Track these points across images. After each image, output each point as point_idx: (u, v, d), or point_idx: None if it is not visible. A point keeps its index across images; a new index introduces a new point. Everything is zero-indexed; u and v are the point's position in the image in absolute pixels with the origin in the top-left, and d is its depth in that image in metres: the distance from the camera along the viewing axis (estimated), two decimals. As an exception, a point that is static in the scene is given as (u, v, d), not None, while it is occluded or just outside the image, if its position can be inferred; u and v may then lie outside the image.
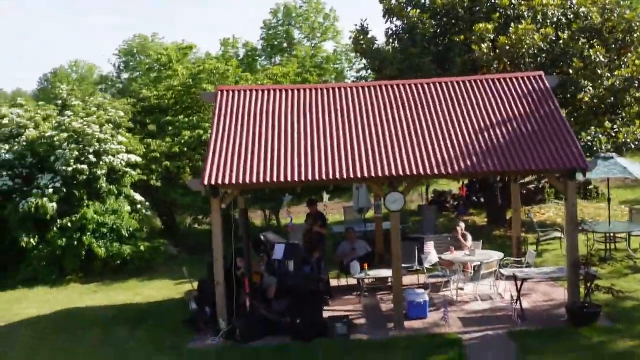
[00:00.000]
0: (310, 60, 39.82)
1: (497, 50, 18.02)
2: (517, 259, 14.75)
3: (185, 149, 21.40)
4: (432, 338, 11.42)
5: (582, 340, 10.81)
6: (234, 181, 11.82)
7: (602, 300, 12.35)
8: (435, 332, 11.70)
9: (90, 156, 18.40)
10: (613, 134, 17.69)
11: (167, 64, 27.08)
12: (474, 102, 13.46)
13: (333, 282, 15.17)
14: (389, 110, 13.37)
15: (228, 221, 14.37)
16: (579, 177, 12.62)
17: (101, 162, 18.55)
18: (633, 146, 17.76)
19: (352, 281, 14.98)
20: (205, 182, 11.81)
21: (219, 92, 13.83)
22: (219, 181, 11.81)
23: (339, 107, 13.50)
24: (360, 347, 11.11)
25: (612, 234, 16.69)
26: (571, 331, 11.23)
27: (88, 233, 17.84)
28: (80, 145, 18.50)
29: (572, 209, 12.05)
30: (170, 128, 22.09)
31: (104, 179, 18.67)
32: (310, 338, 11.56)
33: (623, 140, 17.43)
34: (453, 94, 13.70)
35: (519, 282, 12.57)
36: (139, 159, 19.72)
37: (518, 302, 12.22)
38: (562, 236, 16.25)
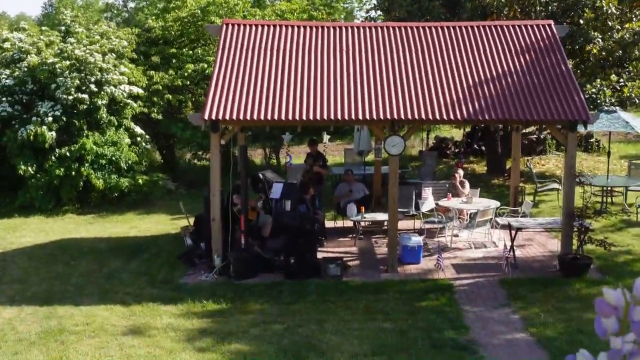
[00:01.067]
0: (320, -2, 39.12)
1: (508, -3, 17.71)
2: (513, 208, 14.79)
3: (189, 82, 21.24)
4: (424, 283, 11.52)
5: (571, 290, 10.90)
6: (234, 117, 11.73)
7: (595, 253, 12.41)
8: (427, 278, 11.79)
9: (92, 86, 18.23)
10: (618, 88, 17.53)
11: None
12: (481, 48, 13.27)
13: (329, 224, 15.24)
14: (394, 53, 13.19)
15: (227, 158, 14.39)
16: (581, 129, 12.55)
17: (102, 92, 18.39)
18: (638, 101, 17.61)
19: (349, 223, 15.04)
20: (206, 117, 11.72)
21: (224, 26, 13.60)
22: (220, 116, 11.72)
23: (344, 47, 13.30)
24: (353, 289, 11.21)
25: (609, 188, 16.70)
26: (561, 281, 11.31)
27: (86, 164, 17.82)
28: (82, 74, 18.32)
29: (571, 160, 12.00)
30: (174, 61, 21.86)
31: (105, 109, 18.54)
32: (304, 277, 11.67)
33: (628, 94, 17.28)
34: (460, 40, 13.49)
35: (513, 232, 12.62)
36: (141, 91, 19.55)
37: (511, 251, 12.28)
38: (560, 188, 16.26)
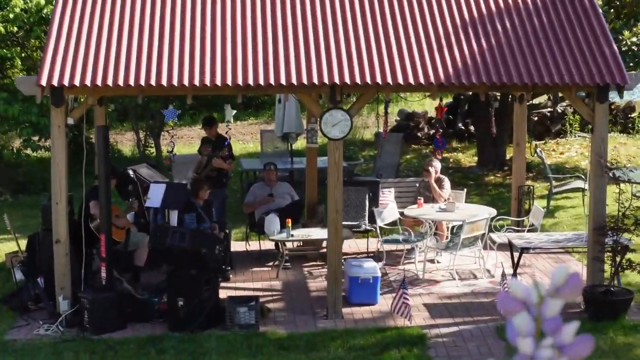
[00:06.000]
0: None
1: None
2: (517, 219, 15.08)
3: (16, 28, 20.96)
4: (382, 333, 11.67)
5: (602, 340, 11.16)
6: (87, 82, 11.64)
7: (637, 284, 12.76)
8: (387, 326, 11.95)
9: None
10: (670, 36, 18.04)
11: None
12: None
13: (239, 246, 15.27)
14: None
15: (79, 146, 14.28)
16: (615, 98, 12.89)
17: None
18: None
19: (268, 245, 15.11)
20: (43, 82, 11.61)
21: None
22: (65, 81, 11.61)
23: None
24: (274, 345, 11.28)
25: (658, 187, 17.18)
26: (588, 326, 11.55)
27: None
28: None
29: (601, 146, 12.33)
30: (-6, -4, 21.59)
31: None
32: (199, 329, 11.68)
33: (685, 45, 17.80)
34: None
35: (516, 254, 12.89)
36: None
37: (514, 283, 12.53)
38: (586, 187, 16.66)
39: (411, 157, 22.66)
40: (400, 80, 12.01)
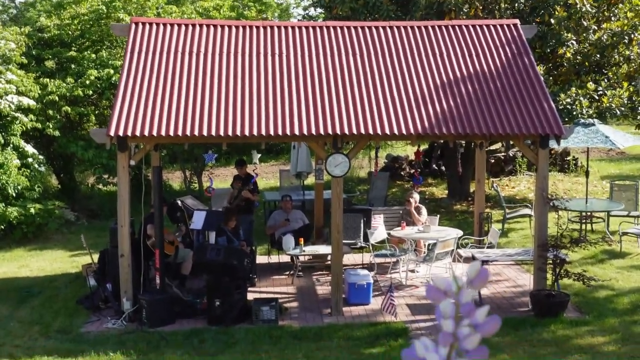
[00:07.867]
0: (250, -8, 39.35)
1: (468, -8, 18.18)
2: (478, 238, 15.10)
3: (91, 92, 21.04)
4: (374, 327, 11.67)
5: (546, 333, 11.19)
6: (146, 133, 11.73)
7: (572, 289, 12.77)
8: (378, 321, 11.95)
9: (-28, 96, 17.98)
10: (597, 97, 18.03)
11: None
12: (437, 52, 13.60)
13: (262, 259, 15.29)
14: (336, 58, 13.41)
15: (139, 182, 14.32)
16: (554, 145, 12.95)
17: (-15, 105, 18.15)
18: (619, 112, 18.11)
19: (285, 258, 15.12)
20: (112, 133, 11.67)
21: (133, 25, 13.62)
22: (128, 132, 11.70)
23: (277, 51, 13.46)
24: (290, 336, 11.29)
25: (588, 213, 17.17)
26: (534, 322, 11.59)
27: (-34, 190, 17.50)
28: (-40, 83, 18.06)
29: (543, 182, 12.36)
30: (73, 66, 21.67)
31: (-12, 125, 18.28)
32: (231, 323, 11.69)
33: (607, 105, 17.77)
34: (413, 42, 13.79)
35: (478, 265, 12.88)
36: (32, 103, 19.31)
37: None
38: (532, 214, 16.67)
39: (396, 190, 22.71)
40: (387, 131, 12.07)
